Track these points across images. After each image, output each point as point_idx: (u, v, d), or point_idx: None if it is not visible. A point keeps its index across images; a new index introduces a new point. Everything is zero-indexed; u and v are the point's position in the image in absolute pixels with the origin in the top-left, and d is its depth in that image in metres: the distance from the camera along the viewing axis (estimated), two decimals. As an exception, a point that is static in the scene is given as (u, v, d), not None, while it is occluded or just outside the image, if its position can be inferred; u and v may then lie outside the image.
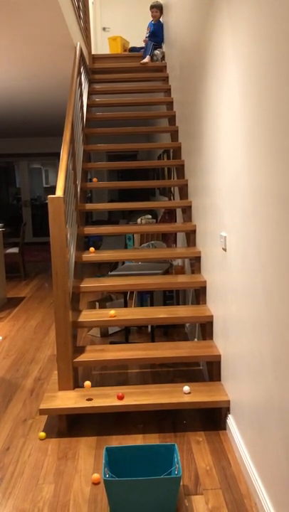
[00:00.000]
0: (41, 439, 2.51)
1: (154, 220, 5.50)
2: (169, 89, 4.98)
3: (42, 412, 2.52)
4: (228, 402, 2.51)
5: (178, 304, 4.41)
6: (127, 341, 3.86)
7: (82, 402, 2.56)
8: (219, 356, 2.71)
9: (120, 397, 2.54)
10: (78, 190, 3.63)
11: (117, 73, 5.31)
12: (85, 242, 7.11)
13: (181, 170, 4.10)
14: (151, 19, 5.54)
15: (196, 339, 3.66)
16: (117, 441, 2.48)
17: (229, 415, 2.50)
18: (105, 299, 4.51)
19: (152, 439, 2.47)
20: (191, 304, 3.84)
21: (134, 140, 9.39)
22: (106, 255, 3.33)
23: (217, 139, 2.58)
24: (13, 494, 2.08)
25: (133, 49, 5.72)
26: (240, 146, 2.09)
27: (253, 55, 1.84)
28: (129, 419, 2.69)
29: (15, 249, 6.78)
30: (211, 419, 2.66)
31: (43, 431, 2.60)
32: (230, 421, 2.46)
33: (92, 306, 4.36)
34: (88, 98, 4.83)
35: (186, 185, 3.86)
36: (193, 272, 3.47)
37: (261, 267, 1.84)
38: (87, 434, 2.56)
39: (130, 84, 5.26)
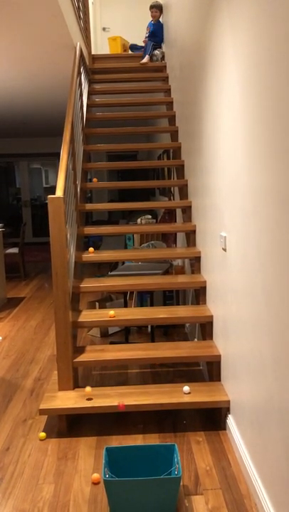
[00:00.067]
0: (41, 440, 2.51)
1: (154, 220, 5.50)
2: (169, 90, 4.98)
3: (42, 412, 2.52)
4: (228, 402, 2.51)
5: (178, 304, 4.41)
6: (127, 341, 3.86)
7: (82, 402, 2.56)
8: (219, 356, 2.71)
9: (121, 407, 2.52)
10: (78, 190, 3.63)
11: (117, 73, 5.31)
12: (85, 242, 7.12)
13: (181, 170, 4.10)
14: (151, 19, 5.54)
15: (196, 339, 3.66)
16: (117, 441, 2.48)
17: (229, 415, 2.50)
18: (105, 299, 4.51)
19: (152, 439, 2.47)
20: (191, 304, 3.84)
21: (134, 140, 9.39)
22: (106, 255, 3.33)
23: (217, 139, 2.58)
24: (13, 494, 2.08)
25: (133, 46, 5.69)
26: (240, 146, 2.09)
27: (253, 55, 1.84)
28: (129, 419, 2.69)
29: (15, 250, 6.78)
30: (211, 419, 2.66)
31: (43, 431, 2.60)
32: (230, 421, 2.46)
33: (92, 306, 4.35)
34: (88, 98, 4.83)
35: (186, 185, 3.86)
36: (193, 272, 3.47)
37: (261, 267, 1.84)
38: (87, 434, 2.56)
39: (130, 84, 5.26)
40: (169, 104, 4.86)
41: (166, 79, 5.19)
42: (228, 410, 2.53)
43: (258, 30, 1.76)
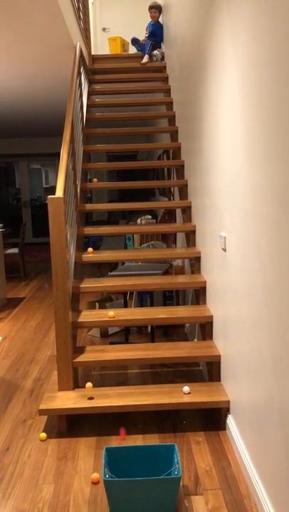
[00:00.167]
0: (42, 440, 2.51)
1: (154, 221, 5.50)
2: (169, 90, 4.98)
3: (42, 412, 2.52)
4: (228, 402, 2.50)
5: (178, 304, 4.41)
6: (126, 341, 3.86)
7: (82, 402, 2.56)
8: (219, 356, 2.71)
9: (122, 435, 2.50)
10: (78, 190, 3.63)
11: (116, 73, 5.31)
12: (85, 243, 7.11)
13: (180, 170, 4.10)
14: (150, 20, 5.53)
15: (195, 339, 3.66)
16: (116, 441, 2.48)
17: (229, 415, 2.50)
18: (105, 300, 4.51)
19: (152, 440, 2.47)
20: (190, 304, 3.84)
21: (134, 140, 9.39)
22: (106, 255, 3.33)
23: (217, 139, 2.58)
24: (13, 495, 2.07)
25: (134, 40, 5.64)
26: (240, 146, 2.09)
27: (253, 55, 1.84)
28: (129, 420, 2.68)
29: (15, 250, 6.78)
30: (211, 419, 2.66)
31: (42, 431, 2.60)
32: (230, 421, 2.46)
33: (91, 306, 4.35)
34: (88, 98, 4.83)
35: (186, 185, 3.86)
36: (193, 272, 3.47)
37: (261, 267, 1.84)
38: (87, 434, 2.56)
39: (130, 84, 5.26)
40: (169, 105, 4.86)
41: (166, 79, 5.19)
42: (228, 410, 2.53)
43: (258, 30, 1.76)
